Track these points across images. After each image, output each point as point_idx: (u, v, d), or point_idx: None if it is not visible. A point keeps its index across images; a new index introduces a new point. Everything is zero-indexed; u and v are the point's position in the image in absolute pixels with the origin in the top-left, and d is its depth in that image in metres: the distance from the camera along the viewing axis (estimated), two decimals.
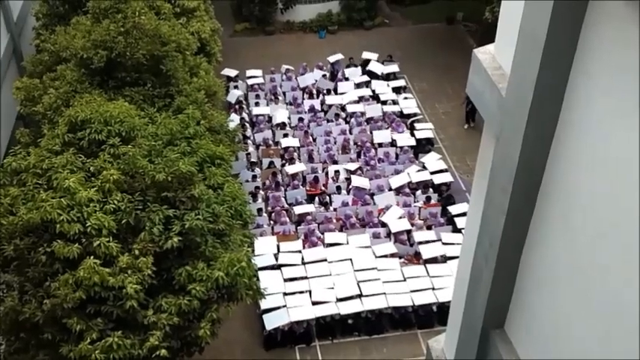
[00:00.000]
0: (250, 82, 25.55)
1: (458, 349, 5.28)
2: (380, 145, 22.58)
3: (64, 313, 11.28)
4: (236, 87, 25.11)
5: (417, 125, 23.54)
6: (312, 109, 24.10)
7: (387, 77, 26.04)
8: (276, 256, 18.47)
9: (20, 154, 12.83)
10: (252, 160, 21.58)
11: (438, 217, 19.83)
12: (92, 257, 11.26)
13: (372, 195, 20.67)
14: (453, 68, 25.38)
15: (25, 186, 12.27)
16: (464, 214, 17.35)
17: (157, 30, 15.31)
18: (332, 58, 26.35)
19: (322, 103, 24.59)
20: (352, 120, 23.65)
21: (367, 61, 26.57)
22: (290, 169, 21.29)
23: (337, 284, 17.84)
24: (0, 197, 12.31)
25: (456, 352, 5.38)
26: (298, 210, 19.97)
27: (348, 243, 18.92)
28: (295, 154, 22.23)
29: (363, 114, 23.87)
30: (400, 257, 18.65)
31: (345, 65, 26.35)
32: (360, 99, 24.60)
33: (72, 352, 11.26)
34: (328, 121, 23.75)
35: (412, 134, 23.19)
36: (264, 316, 16.93)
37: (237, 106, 24.15)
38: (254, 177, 21.10)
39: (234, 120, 22.40)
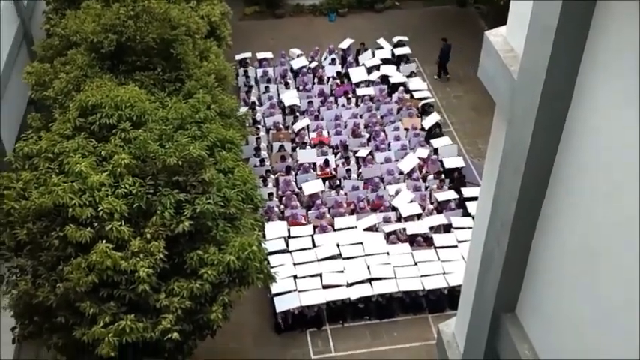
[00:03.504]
0: (260, 66, 25.55)
1: (469, 332, 5.29)
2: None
3: (77, 297, 11.36)
4: (246, 71, 25.11)
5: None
6: (321, 93, 24.03)
7: (399, 60, 25.89)
8: (286, 241, 18.52)
9: (32, 139, 12.88)
10: (255, 145, 21.51)
11: (451, 204, 19.73)
12: (104, 241, 11.31)
13: (382, 179, 20.66)
14: (464, 51, 25.20)
15: (37, 170, 12.33)
16: (475, 199, 17.31)
17: (167, 14, 15.28)
18: (344, 45, 26.17)
19: (332, 87, 24.52)
20: (362, 104, 23.58)
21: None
22: (300, 156, 21.23)
23: (348, 268, 17.88)
24: (12, 182, 12.38)
25: (466, 335, 5.38)
26: (307, 189, 19.94)
27: (357, 227, 18.93)
28: (307, 138, 22.22)
29: (372, 98, 23.79)
30: (412, 242, 18.61)
31: (356, 51, 26.19)
32: (371, 82, 24.51)
33: (85, 335, 11.35)
34: (338, 105, 23.66)
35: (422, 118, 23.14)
36: (275, 298, 17.01)
37: (247, 90, 24.16)
38: (262, 161, 21.10)
39: (244, 104, 22.46)
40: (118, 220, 11.54)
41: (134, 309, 11.65)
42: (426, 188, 20.49)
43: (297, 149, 21.59)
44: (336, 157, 21.55)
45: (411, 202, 19.61)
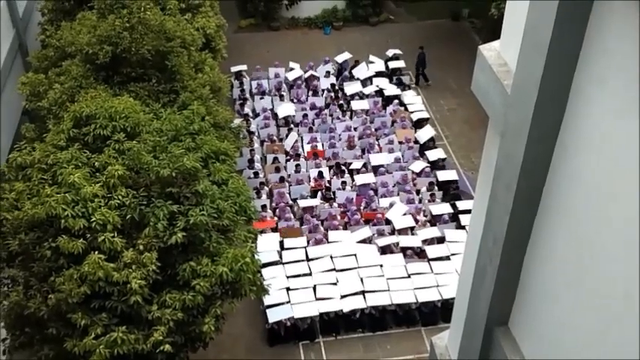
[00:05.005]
0: (255, 77, 25.60)
1: (461, 346, 5.28)
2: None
3: (69, 308, 11.30)
4: (241, 83, 25.16)
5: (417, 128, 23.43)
6: (315, 106, 24.07)
7: (392, 73, 25.99)
8: (279, 253, 18.48)
9: (25, 149, 12.83)
10: (249, 157, 21.52)
11: (445, 216, 19.75)
12: (97, 252, 11.26)
13: (375, 191, 20.66)
14: (458, 65, 25.31)
15: (30, 181, 12.29)
16: (468, 212, 17.33)
17: (162, 26, 15.31)
18: (340, 58, 26.25)
19: (326, 99, 24.56)
20: (356, 117, 23.62)
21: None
22: (296, 175, 21.25)
23: (341, 280, 17.85)
24: (5, 192, 12.33)
25: (459, 349, 5.38)
26: (303, 203, 19.96)
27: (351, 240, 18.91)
28: (301, 150, 22.24)
29: (367, 111, 23.85)
30: (404, 253, 18.61)
31: (351, 66, 26.26)
32: (365, 96, 24.58)
33: (76, 346, 11.28)
34: (332, 117, 23.72)
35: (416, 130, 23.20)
36: (268, 310, 16.96)
37: (241, 102, 24.20)
38: (256, 173, 21.10)
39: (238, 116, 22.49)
40: (111, 231, 11.50)
41: (126, 321, 11.59)
42: (420, 201, 20.51)
43: (293, 172, 21.46)
44: (330, 169, 21.57)
45: (405, 214, 19.62)
